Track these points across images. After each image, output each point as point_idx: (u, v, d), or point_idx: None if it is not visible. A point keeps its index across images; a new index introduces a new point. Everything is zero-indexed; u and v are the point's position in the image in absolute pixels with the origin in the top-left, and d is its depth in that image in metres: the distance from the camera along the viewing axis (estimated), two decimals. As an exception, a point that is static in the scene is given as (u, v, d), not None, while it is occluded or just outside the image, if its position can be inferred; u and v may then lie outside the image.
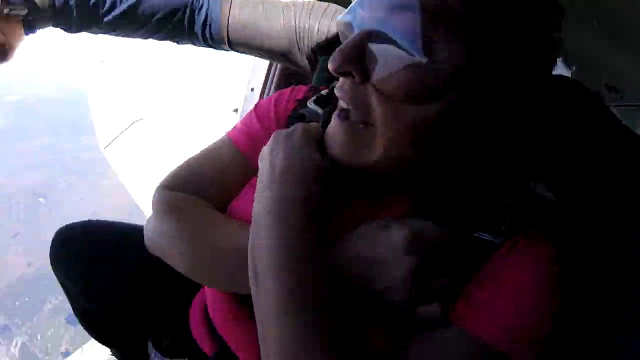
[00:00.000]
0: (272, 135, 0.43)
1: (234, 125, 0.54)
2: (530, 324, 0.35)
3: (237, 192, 0.50)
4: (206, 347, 0.52)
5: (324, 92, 0.49)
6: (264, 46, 0.78)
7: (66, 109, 4.50)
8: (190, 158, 0.53)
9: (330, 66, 0.35)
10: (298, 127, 0.42)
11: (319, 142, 0.41)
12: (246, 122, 0.52)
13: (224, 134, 0.54)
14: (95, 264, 0.63)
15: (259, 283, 0.36)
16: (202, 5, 0.76)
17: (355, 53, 0.34)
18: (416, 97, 0.33)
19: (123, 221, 0.70)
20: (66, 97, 4.84)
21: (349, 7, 0.36)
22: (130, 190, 2.29)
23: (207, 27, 0.77)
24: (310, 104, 0.48)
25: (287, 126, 0.48)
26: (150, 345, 0.61)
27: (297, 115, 0.49)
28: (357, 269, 0.37)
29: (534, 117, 0.43)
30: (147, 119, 2.13)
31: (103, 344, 0.83)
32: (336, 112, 0.39)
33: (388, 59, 0.33)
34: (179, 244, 0.45)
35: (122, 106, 2.32)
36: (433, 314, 0.35)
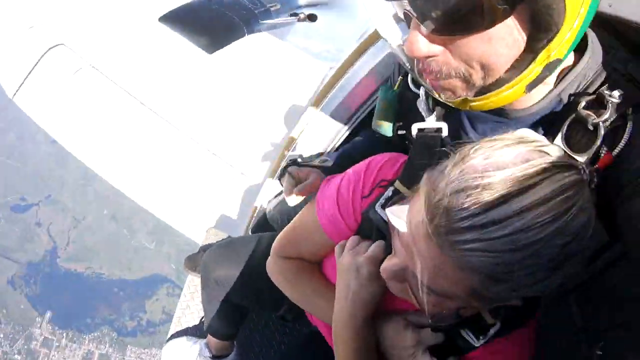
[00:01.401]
0: (346, 254, 0.69)
1: (323, 204, 0.76)
2: None
3: (325, 253, 0.83)
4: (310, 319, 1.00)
5: (389, 192, 0.65)
6: None
7: None
8: (290, 229, 0.86)
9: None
10: (363, 266, 0.66)
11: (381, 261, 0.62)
12: (330, 209, 0.75)
13: (315, 211, 0.79)
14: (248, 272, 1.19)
15: (337, 352, 0.72)
16: None
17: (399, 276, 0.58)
18: None
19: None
20: None
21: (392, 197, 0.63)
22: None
23: None
24: (378, 209, 0.63)
25: (362, 222, 0.70)
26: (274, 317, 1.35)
27: (366, 218, 0.67)
28: (382, 346, 0.70)
29: None
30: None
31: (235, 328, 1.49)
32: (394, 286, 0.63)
33: None
34: (294, 297, 0.87)
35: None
36: None
